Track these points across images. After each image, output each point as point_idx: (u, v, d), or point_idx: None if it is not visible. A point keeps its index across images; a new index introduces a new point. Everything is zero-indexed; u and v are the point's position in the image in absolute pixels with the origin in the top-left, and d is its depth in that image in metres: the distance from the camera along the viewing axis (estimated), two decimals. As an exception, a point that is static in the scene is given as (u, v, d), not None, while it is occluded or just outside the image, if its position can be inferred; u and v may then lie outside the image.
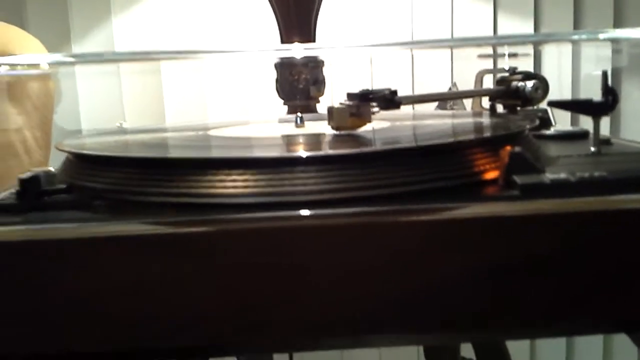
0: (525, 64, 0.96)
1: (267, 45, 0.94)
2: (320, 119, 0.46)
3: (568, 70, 1.03)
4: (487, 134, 0.36)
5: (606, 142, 0.42)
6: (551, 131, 0.47)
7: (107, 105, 0.98)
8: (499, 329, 0.28)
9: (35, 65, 0.66)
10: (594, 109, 0.37)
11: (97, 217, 0.27)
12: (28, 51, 0.77)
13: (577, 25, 1.06)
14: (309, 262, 0.26)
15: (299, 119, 0.42)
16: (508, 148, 0.30)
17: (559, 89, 1.00)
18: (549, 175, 0.28)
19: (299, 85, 0.68)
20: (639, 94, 1.04)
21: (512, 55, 0.49)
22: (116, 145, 0.37)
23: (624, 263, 0.26)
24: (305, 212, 0.26)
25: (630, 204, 0.26)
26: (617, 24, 1.06)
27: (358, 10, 0.99)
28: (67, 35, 1.02)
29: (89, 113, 0.99)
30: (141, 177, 0.29)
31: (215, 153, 0.32)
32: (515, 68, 0.51)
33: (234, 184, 0.27)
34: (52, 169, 0.31)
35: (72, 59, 0.29)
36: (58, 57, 0.30)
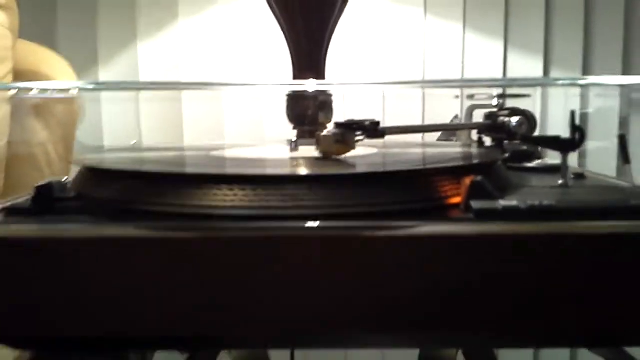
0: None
1: (280, 76, 0.98)
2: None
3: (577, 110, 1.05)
4: (456, 164, 0.39)
5: (580, 176, 0.45)
6: (533, 164, 0.50)
7: (128, 126, 1.03)
8: (455, 335, 0.31)
9: (65, 91, 0.71)
10: (562, 146, 0.40)
11: (98, 222, 0.31)
12: (57, 73, 0.82)
13: (586, 63, 1.09)
14: (287, 267, 0.30)
15: (293, 144, 0.46)
16: (471, 177, 0.34)
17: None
18: (501, 202, 0.31)
19: (307, 112, 0.71)
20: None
21: (502, 96, 0.52)
22: (122, 161, 0.41)
23: (568, 283, 0.29)
24: (279, 224, 0.30)
25: (570, 230, 0.29)
26: (626, 65, 1.08)
27: (373, 48, 1.03)
28: (95, 58, 1.07)
29: (111, 132, 1.04)
30: (138, 189, 0.33)
31: (204, 170, 0.36)
32: (503, 104, 0.55)
33: (217, 198, 0.31)
34: (64, 179, 0.35)
35: (96, 86, 0.32)
36: (84, 83, 0.34)
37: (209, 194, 0.31)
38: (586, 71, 1.09)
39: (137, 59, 1.06)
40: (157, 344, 0.33)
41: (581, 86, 1.08)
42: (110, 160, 0.42)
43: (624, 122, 1.06)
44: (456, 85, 1.03)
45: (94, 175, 0.37)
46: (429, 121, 1.02)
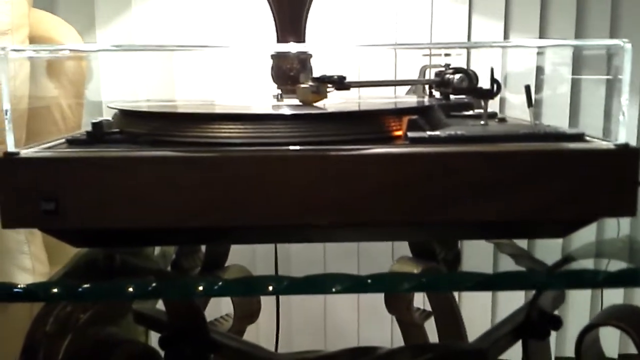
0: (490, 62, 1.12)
1: (266, 39, 1.08)
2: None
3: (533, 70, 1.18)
4: (401, 107, 0.51)
5: (502, 120, 0.57)
6: (470, 112, 0.62)
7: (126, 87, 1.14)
8: (396, 222, 0.43)
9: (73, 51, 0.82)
10: (482, 94, 0.52)
11: (137, 148, 0.43)
12: (66, 38, 0.92)
13: (541, 27, 1.21)
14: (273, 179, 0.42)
15: (279, 95, 0.58)
16: (409, 116, 0.46)
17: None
18: (428, 133, 0.44)
19: (290, 73, 0.83)
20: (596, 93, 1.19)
21: (447, 55, 0.64)
22: (147, 107, 0.53)
23: (471, 184, 0.42)
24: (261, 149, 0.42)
25: (472, 149, 0.42)
26: (579, 28, 1.21)
27: (349, 12, 1.14)
28: (92, 21, 1.16)
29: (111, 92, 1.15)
30: (162, 126, 0.45)
31: (208, 110, 0.49)
32: (449, 64, 0.66)
33: (217, 131, 0.44)
34: (109, 119, 0.47)
35: (100, 47, 0.43)
36: (91, 46, 0.46)
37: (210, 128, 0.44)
38: (542, 34, 1.21)
39: (132, 21, 1.14)
40: (174, 237, 0.46)
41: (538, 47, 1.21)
42: (134, 106, 0.54)
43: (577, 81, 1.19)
44: (423, 46, 1.14)
45: (128, 116, 0.49)
46: (400, 75, 1.14)
